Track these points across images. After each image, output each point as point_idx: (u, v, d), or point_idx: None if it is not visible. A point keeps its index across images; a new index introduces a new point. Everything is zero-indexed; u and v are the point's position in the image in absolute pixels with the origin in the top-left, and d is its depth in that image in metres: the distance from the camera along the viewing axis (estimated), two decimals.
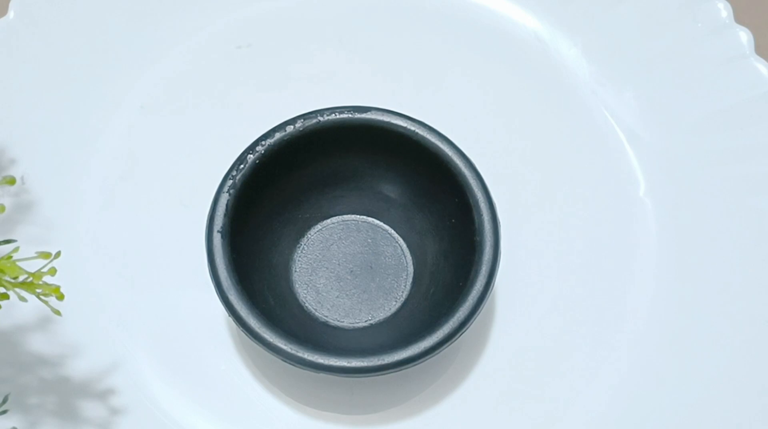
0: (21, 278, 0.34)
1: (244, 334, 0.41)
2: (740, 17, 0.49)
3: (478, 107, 0.49)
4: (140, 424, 0.43)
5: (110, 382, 0.43)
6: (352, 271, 0.45)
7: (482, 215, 0.41)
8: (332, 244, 0.45)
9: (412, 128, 0.43)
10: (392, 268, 0.45)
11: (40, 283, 0.34)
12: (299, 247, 0.45)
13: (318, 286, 0.45)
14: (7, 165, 0.47)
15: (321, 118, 0.43)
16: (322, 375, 0.40)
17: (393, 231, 0.46)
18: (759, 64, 0.48)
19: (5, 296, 0.34)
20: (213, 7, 0.51)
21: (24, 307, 0.36)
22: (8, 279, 0.34)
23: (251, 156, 0.43)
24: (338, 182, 0.45)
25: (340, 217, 0.46)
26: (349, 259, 0.45)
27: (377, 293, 0.45)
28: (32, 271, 0.34)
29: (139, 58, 0.50)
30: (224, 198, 0.42)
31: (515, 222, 0.46)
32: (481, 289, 0.40)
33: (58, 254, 0.34)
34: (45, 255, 0.34)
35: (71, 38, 0.50)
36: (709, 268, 0.45)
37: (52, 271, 0.34)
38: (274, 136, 0.43)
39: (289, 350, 0.39)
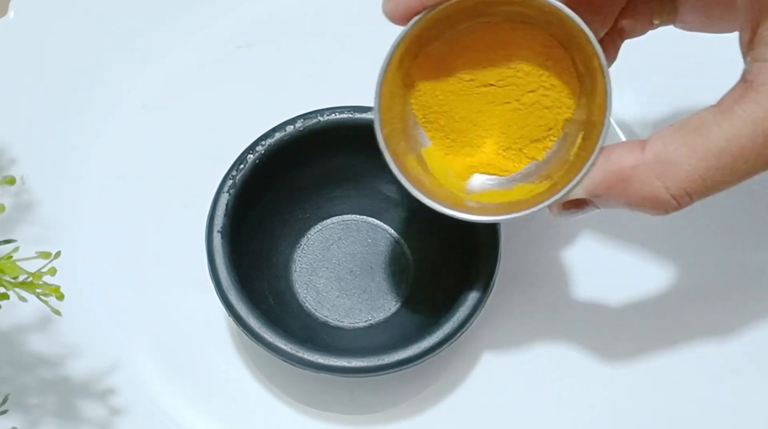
0: (21, 278, 0.34)
1: (244, 334, 0.41)
2: None
3: None
4: (140, 424, 0.43)
5: (110, 382, 0.43)
6: (352, 271, 0.45)
7: None
8: (332, 244, 0.45)
9: None
10: (392, 268, 0.45)
11: (40, 283, 0.34)
12: (299, 247, 0.45)
13: (318, 286, 0.45)
14: (7, 165, 0.47)
15: (321, 118, 0.43)
16: (322, 375, 0.40)
17: (393, 231, 0.46)
18: None
19: (5, 296, 0.34)
20: (213, 7, 0.51)
21: (24, 307, 0.36)
22: (8, 279, 0.34)
23: (251, 156, 0.43)
24: (338, 182, 0.45)
25: (340, 217, 0.46)
26: (349, 259, 0.45)
27: (377, 293, 0.45)
28: (32, 271, 0.34)
29: (139, 58, 0.50)
30: (224, 198, 0.42)
31: (515, 223, 0.46)
32: (481, 289, 0.40)
33: (58, 254, 0.34)
34: (45, 255, 0.34)
35: (71, 38, 0.50)
36: (710, 267, 0.45)
37: (52, 271, 0.34)
38: (274, 136, 0.43)
39: (289, 350, 0.39)
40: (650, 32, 0.39)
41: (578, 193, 0.33)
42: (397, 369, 0.39)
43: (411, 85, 0.37)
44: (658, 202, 0.31)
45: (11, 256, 0.34)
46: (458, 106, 0.37)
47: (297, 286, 0.45)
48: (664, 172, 0.31)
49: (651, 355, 0.44)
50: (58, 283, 0.34)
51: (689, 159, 0.30)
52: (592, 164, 0.33)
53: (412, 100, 0.37)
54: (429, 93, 0.37)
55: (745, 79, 0.32)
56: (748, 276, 0.45)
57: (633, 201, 0.32)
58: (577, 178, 0.33)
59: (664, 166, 0.31)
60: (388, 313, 0.44)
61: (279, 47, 0.50)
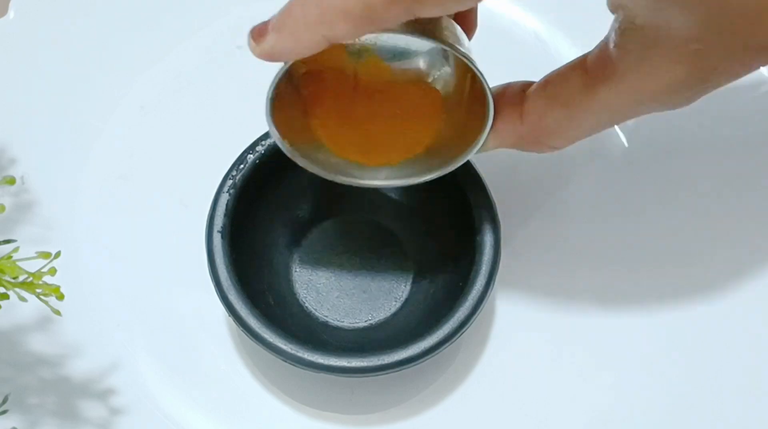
0: (21, 278, 0.34)
1: (244, 334, 0.41)
2: None
3: None
4: (140, 424, 0.43)
5: (110, 382, 0.43)
6: (352, 271, 0.45)
7: (482, 215, 0.41)
8: (332, 244, 0.45)
9: None
10: (392, 268, 0.45)
11: (40, 283, 0.34)
12: (299, 247, 0.45)
13: (318, 286, 0.45)
14: (7, 165, 0.47)
15: None
16: (322, 375, 0.40)
17: (393, 231, 0.46)
18: None
19: (5, 296, 0.34)
20: (213, 7, 0.51)
21: (24, 307, 0.36)
22: (8, 279, 0.34)
23: (251, 156, 0.43)
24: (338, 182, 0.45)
25: (341, 217, 0.46)
26: (349, 259, 0.45)
27: (377, 293, 0.45)
28: (32, 271, 0.34)
29: (139, 58, 0.50)
30: (224, 198, 0.42)
31: (515, 222, 0.46)
32: (481, 289, 0.40)
33: (58, 254, 0.34)
34: (45, 255, 0.34)
35: (71, 38, 0.50)
36: (708, 266, 0.46)
37: (52, 271, 0.34)
38: None
39: (289, 350, 0.39)
40: None
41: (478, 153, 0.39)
42: (397, 369, 0.39)
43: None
44: (545, 151, 0.39)
45: (11, 256, 0.34)
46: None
47: (297, 286, 0.45)
48: (544, 139, 0.38)
49: (655, 369, 0.44)
50: (58, 283, 0.34)
51: (563, 131, 0.38)
52: (485, 141, 0.38)
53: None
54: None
55: (610, 56, 0.35)
56: None
57: (524, 151, 0.39)
58: (474, 147, 0.38)
59: (544, 135, 0.38)
60: (388, 313, 0.44)
61: None
